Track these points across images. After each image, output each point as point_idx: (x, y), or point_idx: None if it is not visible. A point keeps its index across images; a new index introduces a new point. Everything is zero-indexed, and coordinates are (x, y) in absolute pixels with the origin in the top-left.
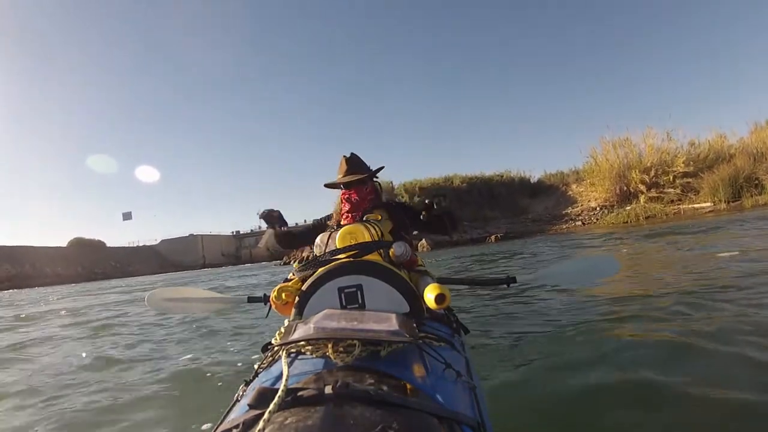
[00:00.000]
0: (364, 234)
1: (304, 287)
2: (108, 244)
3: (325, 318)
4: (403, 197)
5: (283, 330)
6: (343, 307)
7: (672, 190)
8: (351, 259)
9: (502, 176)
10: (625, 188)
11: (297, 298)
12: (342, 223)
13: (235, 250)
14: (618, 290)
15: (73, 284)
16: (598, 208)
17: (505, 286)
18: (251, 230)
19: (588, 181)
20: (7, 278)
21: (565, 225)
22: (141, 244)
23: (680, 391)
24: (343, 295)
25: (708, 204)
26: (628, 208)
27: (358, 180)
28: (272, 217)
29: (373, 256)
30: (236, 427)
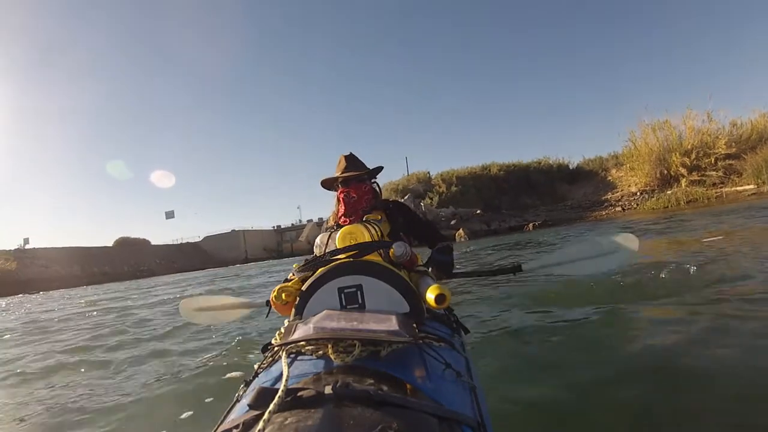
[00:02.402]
0: (364, 234)
1: (303, 287)
2: (153, 243)
3: (325, 318)
4: (440, 187)
5: (283, 330)
6: (343, 308)
7: (714, 172)
8: (351, 260)
9: (540, 163)
10: (666, 172)
11: (297, 299)
12: (339, 224)
13: (276, 245)
14: (620, 283)
15: (121, 282)
16: (638, 193)
17: (512, 274)
18: (292, 224)
19: (627, 165)
20: (57, 278)
21: (604, 211)
22: (184, 242)
23: (681, 390)
24: (343, 295)
25: (751, 186)
26: (669, 192)
27: (357, 178)
28: None
29: (373, 257)
30: (236, 427)
